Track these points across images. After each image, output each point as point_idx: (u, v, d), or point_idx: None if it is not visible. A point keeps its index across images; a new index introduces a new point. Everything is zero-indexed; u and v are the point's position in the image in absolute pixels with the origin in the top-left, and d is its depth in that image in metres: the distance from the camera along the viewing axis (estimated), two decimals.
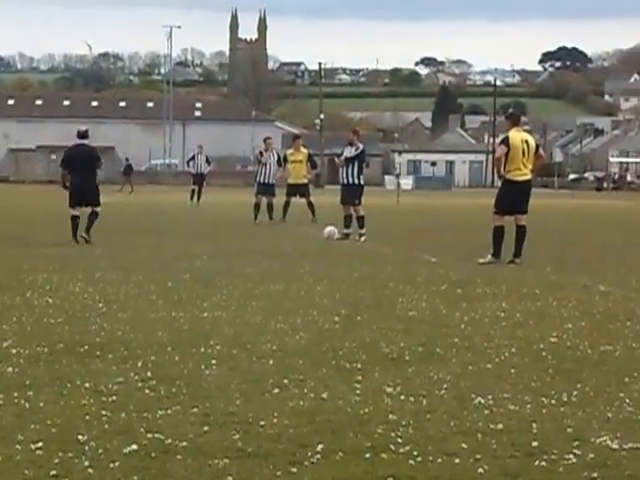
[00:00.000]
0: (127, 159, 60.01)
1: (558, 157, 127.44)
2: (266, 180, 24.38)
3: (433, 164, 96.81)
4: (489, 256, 14.08)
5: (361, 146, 19.23)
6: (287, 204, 24.15)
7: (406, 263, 14.00)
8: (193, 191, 34.22)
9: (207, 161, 34.82)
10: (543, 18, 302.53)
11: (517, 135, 14.36)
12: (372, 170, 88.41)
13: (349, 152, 19.07)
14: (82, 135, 17.37)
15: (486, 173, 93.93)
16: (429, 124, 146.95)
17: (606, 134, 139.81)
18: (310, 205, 24.14)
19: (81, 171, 16.96)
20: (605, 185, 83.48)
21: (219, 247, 16.41)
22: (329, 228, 19.00)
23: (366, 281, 11.53)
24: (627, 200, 50.78)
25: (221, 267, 12.90)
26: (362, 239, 18.54)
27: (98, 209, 17.16)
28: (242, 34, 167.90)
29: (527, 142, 14.36)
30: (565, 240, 19.48)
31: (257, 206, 24.22)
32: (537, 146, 14.57)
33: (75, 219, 16.98)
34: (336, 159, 19.76)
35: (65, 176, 17.28)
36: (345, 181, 19.17)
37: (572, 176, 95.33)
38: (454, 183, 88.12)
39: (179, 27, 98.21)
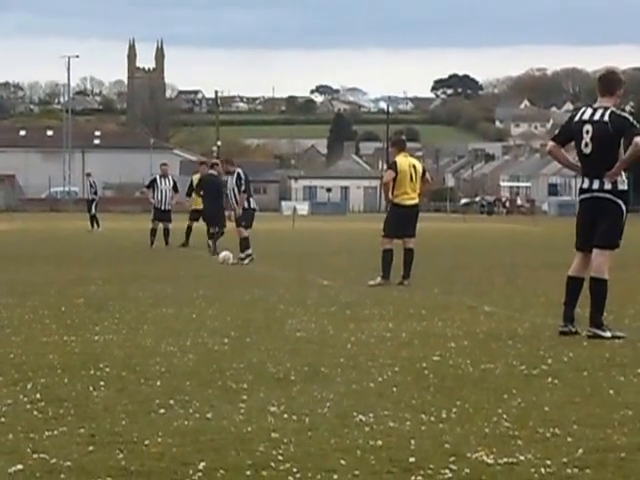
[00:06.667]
0: None
1: (450, 182, 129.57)
2: (162, 206, 24.54)
3: (328, 190, 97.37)
4: (378, 278, 14.32)
5: (238, 170, 19.16)
6: (189, 229, 24.35)
7: (298, 286, 14.16)
8: (91, 217, 34.93)
9: (91, 186, 35.77)
10: (435, 46, 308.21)
11: (404, 160, 14.64)
12: (269, 196, 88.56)
13: (231, 182, 19.03)
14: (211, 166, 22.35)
15: (380, 198, 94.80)
16: (325, 151, 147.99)
17: (497, 159, 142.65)
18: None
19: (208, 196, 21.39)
20: (496, 209, 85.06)
21: (115, 272, 16.40)
22: (224, 253, 19.04)
23: (257, 304, 11.64)
24: (517, 223, 51.79)
25: (115, 292, 12.91)
26: (245, 261, 18.54)
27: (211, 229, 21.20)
28: (140, 63, 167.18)
29: (414, 167, 14.66)
30: (455, 262, 19.83)
31: (154, 231, 24.37)
32: (424, 171, 14.89)
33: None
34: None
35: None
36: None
37: (464, 200, 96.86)
38: (349, 208, 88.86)
39: (77, 57, 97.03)
